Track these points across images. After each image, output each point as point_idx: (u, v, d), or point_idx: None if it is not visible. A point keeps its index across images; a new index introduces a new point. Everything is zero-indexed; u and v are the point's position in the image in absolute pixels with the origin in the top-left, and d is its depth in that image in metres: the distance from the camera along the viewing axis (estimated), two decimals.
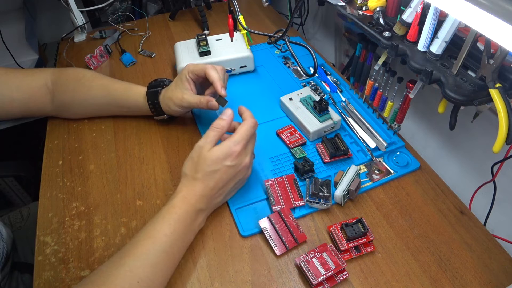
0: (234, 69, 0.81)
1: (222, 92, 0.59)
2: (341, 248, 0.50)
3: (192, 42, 0.83)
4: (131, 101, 0.67)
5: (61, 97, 0.68)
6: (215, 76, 0.60)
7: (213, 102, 0.59)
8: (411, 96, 0.59)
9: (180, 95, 0.61)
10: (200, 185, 0.50)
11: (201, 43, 0.80)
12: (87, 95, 0.67)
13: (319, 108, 0.66)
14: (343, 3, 0.70)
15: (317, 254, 0.49)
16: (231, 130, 0.55)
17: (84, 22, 0.95)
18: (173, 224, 0.47)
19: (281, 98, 0.72)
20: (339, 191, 0.55)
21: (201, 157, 0.51)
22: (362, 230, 0.51)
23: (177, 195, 0.50)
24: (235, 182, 0.53)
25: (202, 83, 0.65)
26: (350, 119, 0.70)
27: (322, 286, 0.47)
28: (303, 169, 0.59)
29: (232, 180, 0.52)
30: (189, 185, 0.50)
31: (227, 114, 0.53)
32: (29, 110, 0.68)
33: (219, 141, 0.53)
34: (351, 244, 0.50)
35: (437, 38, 0.53)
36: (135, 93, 0.66)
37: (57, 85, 0.67)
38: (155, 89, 0.65)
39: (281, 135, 0.67)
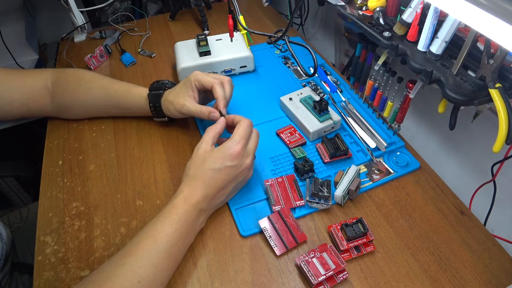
0: (234, 69, 0.81)
1: (223, 111, 0.59)
2: (341, 248, 0.50)
3: (192, 42, 0.83)
4: (132, 103, 0.67)
5: (61, 98, 0.68)
6: (220, 94, 0.59)
7: (216, 113, 0.58)
8: (411, 96, 0.59)
9: (181, 102, 0.61)
10: (201, 185, 0.50)
11: (201, 43, 0.80)
12: (86, 96, 0.67)
13: (319, 108, 0.66)
14: (343, 3, 0.70)
15: (317, 254, 0.49)
16: (231, 132, 0.56)
17: (84, 22, 0.95)
18: (175, 224, 0.47)
19: (281, 98, 0.72)
20: (339, 191, 0.55)
21: (202, 157, 0.51)
22: (362, 230, 0.51)
23: (179, 195, 0.50)
24: (236, 183, 0.53)
25: (206, 92, 0.65)
26: (350, 119, 0.70)
27: (322, 286, 0.47)
28: (303, 169, 0.59)
29: (233, 181, 0.53)
30: (190, 185, 0.50)
31: (220, 119, 0.57)
32: (29, 111, 0.68)
33: (216, 144, 0.54)
34: (351, 244, 0.50)
35: (437, 38, 0.53)
36: (136, 95, 0.66)
37: (56, 86, 0.67)
38: (157, 91, 0.64)
39: (281, 135, 0.67)
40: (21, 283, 0.70)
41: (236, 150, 0.51)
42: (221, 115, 0.59)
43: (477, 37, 0.48)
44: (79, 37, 0.97)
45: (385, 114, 0.68)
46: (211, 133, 0.54)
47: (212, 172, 0.50)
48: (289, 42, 0.63)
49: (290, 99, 0.71)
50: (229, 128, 0.58)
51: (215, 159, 0.51)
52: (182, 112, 0.61)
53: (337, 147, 0.62)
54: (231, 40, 0.73)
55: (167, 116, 0.66)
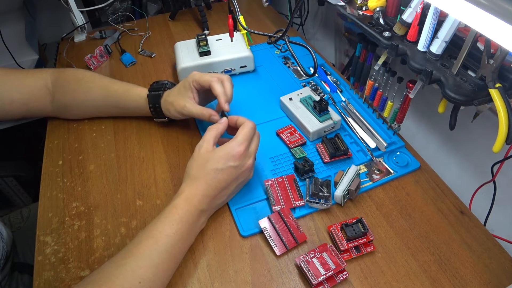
0: (234, 69, 0.81)
1: (225, 107, 0.58)
2: (341, 248, 0.50)
3: (192, 42, 0.83)
4: (132, 103, 0.67)
5: (61, 98, 0.68)
6: (220, 91, 0.59)
7: (216, 116, 0.58)
8: (411, 96, 0.59)
9: (182, 103, 0.61)
10: (203, 185, 0.50)
11: (201, 43, 0.80)
12: (86, 96, 0.67)
13: (319, 108, 0.66)
14: (343, 3, 0.70)
15: (317, 254, 0.49)
16: (231, 133, 0.56)
17: (84, 22, 0.95)
18: (175, 224, 0.47)
19: (281, 98, 0.72)
20: (339, 191, 0.55)
21: (204, 157, 0.51)
22: (362, 230, 0.51)
23: (180, 195, 0.50)
24: (238, 183, 0.53)
25: (206, 92, 0.65)
26: (350, 119, 0.70)
27: (322, 286, 0.47)
28: (303, 169, 0.59)
29: (235, 182, 0.53)
30: (192, 185, 0.50)
31: (223, 119, 0.56)
32: (29, 111, 0.68)
33: (217, 145, 0.54)
34: (351, 244, 0.50)
35: (437, 38, 0.53)
36: (136, 95, 0.66)
37: (57, 86, 0.67)
38: (157, 92, 0.65)
39: (281, 135, 0.67)
40: (21, 283, 0.70)
41: (239, 151, 0.51)
42: (223, 115, 0.59)
43: (477, 37, 0.48)
44: (79, 37, 0.97)
45: (385, 114, 0.68)
46: (213, 132, 0.54)
47: (214, 172, 0.50)
48: (289, 42, 0.63)
49: (290, 99, 0.71)
50: (230, 129, 0.58)
51: (218, 159, 0.51)
52: (182, 114, 0.61)
53: (337, 147, 0.62)
54: (231, 40, 0.73)
55: (167, 117, 0.66)
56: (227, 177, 0.51)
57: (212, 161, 0.50)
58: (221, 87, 0.59)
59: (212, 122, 0.58)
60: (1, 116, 0.66)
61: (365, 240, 0.51)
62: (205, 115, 0.59)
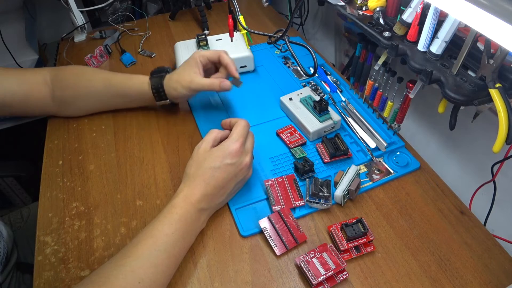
0: None
1: (236, 74, 0.63)
2: (341, 248, 0.50)
3: (192, 42, 0.83)
4: (134, 90, 0.67)
5: (62, 93, 0.67)
6: (229, 60, 0.63)
7: (226, 82, 0.61)
8: (411, 96, 0.59)
9: (188, 78, 0.63)
10: (201, 184, 0.50)
11: (201, 43, 0.80)
12: (88, 88, 0.67)
13: (319, 108, 0.66)
14: (343, 3, 0.70)
15: (317, 254, 0.49)
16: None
17: (84, 22, 0.95)
18: (174, 224, 0.47)
19: (281, 98, 0.72)
20: (339, 191, 0.55)
21: (202, 156, 0.52)
22: (362, 230, 0.51)
23: (178, 195, 0.50)
24: (236, 182, 0.53)
25: (208, 71, 0.67)
26: (350, 119, 0.70)
27: (322, 286, 0.47)
28: (303, 169, 0.59)
29: (233, 180, 0.53)
30: (190, 184, 0.51)
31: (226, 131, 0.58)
32: (30, 107, 0.67)
33: None
34: (351, 244, 0.50)
35: (437, 38, 0.53)
36: (137, 81, 0.67)
37: (56, 81, 0.67)
38: (159, 74, 0.66)
39: (281, 135, 0.67)
40: (23, 282, 0.70)
41: (234, 148, 0.51)
42: (237, 82, 0.62)
43: (477, 37, 0.48)
44: (79, 37, 0.97)
45: (385, 114, 0.68)
46: (214, 134, 0.54)
47: (212, 170, 0.50)
48: (289, 42, 0.63)
49: (290, 99, 0.71)
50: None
51: (215, 157, 0.51)
52: (190, 88, 0.63)
53: (337, 147, 0.62)
54: (231, 40, 0.73)
55: (169, 99, 0.67)
56: (225, 175, 0.51)
57: (210, 159, 0.51)
58: (229, 57, 0.63)
59: (223, 90, 0.62)
60: (1, 111, 0.65)
61: (365, 240, 0.51)
62: (215, 83, 0.61)
